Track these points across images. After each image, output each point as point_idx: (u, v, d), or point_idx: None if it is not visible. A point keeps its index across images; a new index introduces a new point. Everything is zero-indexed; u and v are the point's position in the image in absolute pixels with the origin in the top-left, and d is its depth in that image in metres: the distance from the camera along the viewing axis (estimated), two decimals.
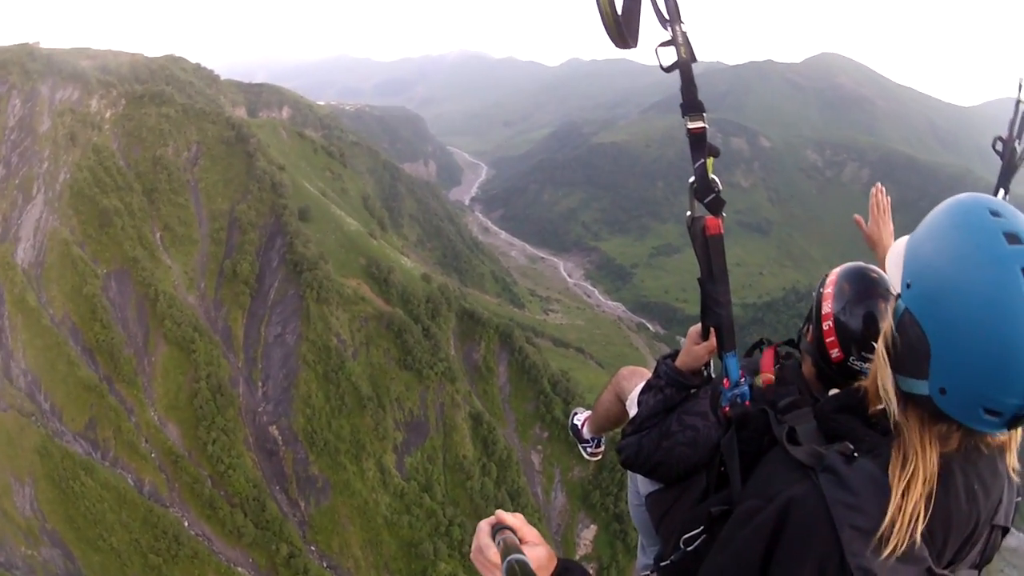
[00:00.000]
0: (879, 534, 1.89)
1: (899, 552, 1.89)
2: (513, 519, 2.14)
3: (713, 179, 2.59)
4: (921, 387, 1.93)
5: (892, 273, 2.13)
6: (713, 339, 3.06)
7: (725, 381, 2.87)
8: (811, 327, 3.26)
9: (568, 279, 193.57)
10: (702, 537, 2.68)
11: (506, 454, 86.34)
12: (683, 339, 3.71)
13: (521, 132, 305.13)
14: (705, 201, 2.60)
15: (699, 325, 3.18)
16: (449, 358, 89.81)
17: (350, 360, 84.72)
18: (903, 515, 1.90)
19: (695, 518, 2.74)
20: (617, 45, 2.39)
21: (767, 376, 3.29)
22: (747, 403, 2.82)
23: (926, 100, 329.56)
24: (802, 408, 2.52)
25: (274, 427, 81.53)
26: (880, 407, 2.11)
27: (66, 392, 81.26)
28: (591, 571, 2.51)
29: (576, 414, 5.92)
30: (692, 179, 2.61)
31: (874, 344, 2.54)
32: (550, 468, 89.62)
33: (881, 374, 2.06)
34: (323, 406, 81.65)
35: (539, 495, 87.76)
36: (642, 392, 3.48)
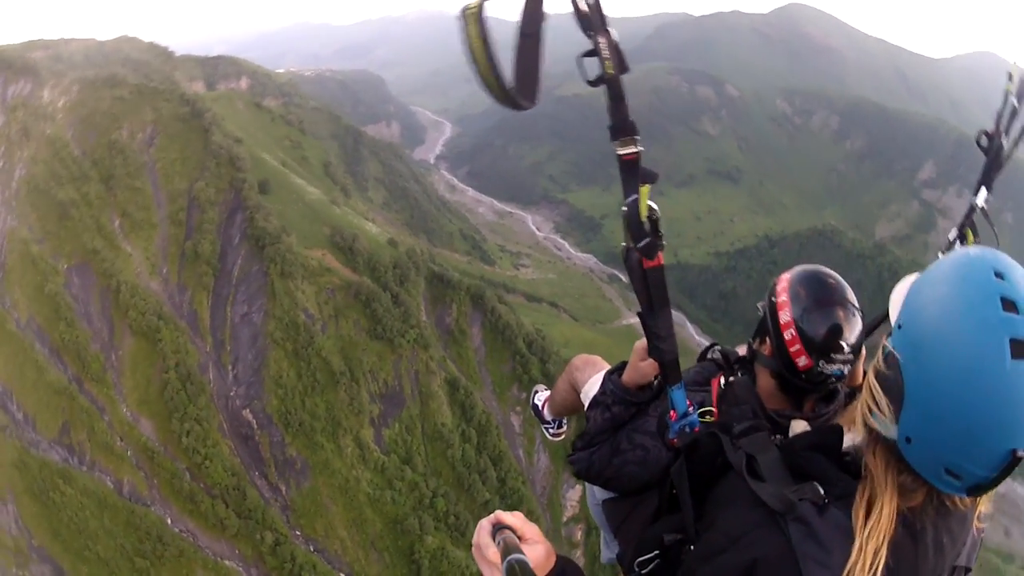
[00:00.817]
0: None
1: None
2: (512, 519, 2.15)
3: (650, 212, 2.43)
4: (891, 431, 1.93)
5: (892, 310, 2.12)
6: None
7: (672, 414, 2.79)
8: (768, 339, 3.13)
9: (537, 233, 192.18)
10: (655, 562, 2.65)
11: (485, 418, 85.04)
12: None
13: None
14: (639, 245, 2.45)
15: (642, 342, 2.97)
16: (421, 324, 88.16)
17: (319, 335, 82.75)
18: (864, 563, 1.89)
19: (648, 542, 2.70)
20: (508, 107, 2.16)
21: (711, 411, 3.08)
22: (695, 429, 2.77)
23: (896, 51, 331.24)
24: (760, 432, 2.50)
25: (247, 411, 79.35)
26: (850, 446, 2.15)
27: (37, 398, 79.05)
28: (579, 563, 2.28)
29: (537, 392, 5.77)
30: (624, 208, 2.43)
31: (842, 345, 2.92)
32: (531, 430, 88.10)
33: (863, 408, 2.05)
34: (295, 385, 79.64)
35: (521, 458, 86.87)
36: (589, 408, 3.43)
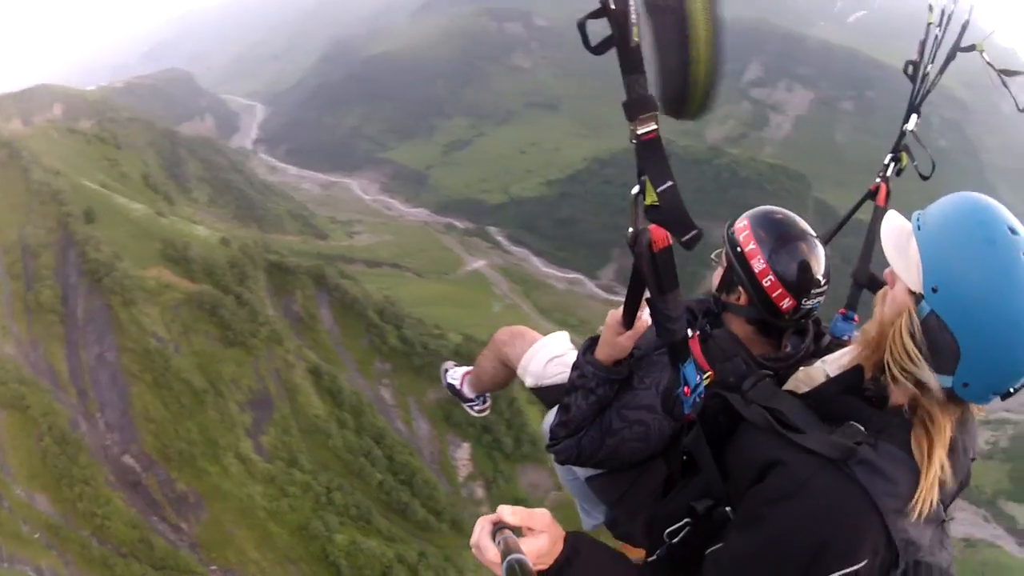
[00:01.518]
0: (911, 507, 2.10)
1: (926, 516, 2.11)
2: (513, 516, 2.17)
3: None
4: (945, 381, 2.13)
5: (895, 259, 2.27)
6: (639, 325, 3.05)
7: (686, 390, 2.72)
8: (742, 289, 3.28)
9: (365, 197, 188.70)
10: (686, 529, 2.68)
11: (356, 399, 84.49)
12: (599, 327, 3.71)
13: (291, 62, 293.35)
14: (686, 238, 2.24)
15: (617, 313, 3.08)
16: (270, 319, 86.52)
17: (174, 356, 79.97)
18: (930, 487, 2.12)
19: (675, 512, 2.73)
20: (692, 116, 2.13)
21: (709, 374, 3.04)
22: (702, 396, 2.76)
23: None
24: (765, 382, 2.66)
25: (127, 456, 76.28)
26: (871, 383, 2.37)
27: None
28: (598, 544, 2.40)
29: (447, 371, 5.77)
30: (636, 190, 2.27)
31: (818, 279, 3.19)
32: (403, 399, 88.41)
33: (919, 369, 2.17)
34: (164, 415, 76.98)
35: (402, 429, 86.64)
36: (568, 394, 3.34)
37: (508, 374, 4.81)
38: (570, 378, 3.34)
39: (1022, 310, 2.00)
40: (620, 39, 1.97)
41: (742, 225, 3.30)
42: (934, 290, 2.10)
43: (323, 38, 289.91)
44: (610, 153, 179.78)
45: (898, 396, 2.30)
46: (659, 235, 2.37)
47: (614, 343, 3.11)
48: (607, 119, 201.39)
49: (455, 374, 5.63)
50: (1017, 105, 3.89)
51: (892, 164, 4.15)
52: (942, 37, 3.80)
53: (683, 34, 1.89)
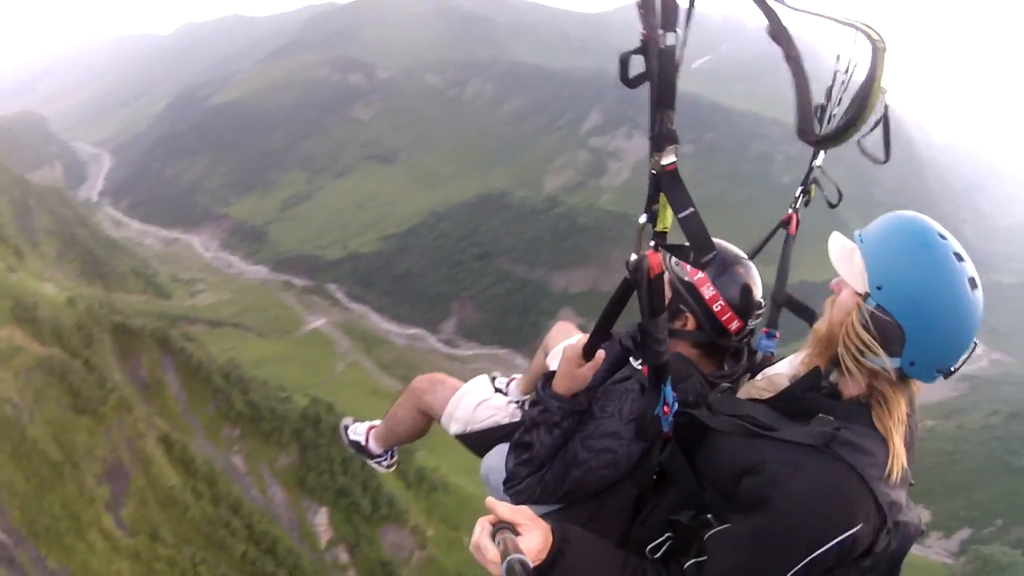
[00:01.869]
0: (888, 473, 2.49)
1: (900, 479, 2.53)
2: (503, 510, 2.34)
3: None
4: (895, 363, 2.53)
5: (842, 270, 2.69)
6: (599, 356, 3.06)
7: (665, 409, 2.81)
8: (690, 315, 3.41)
9: (206, 254, 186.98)
10: (668, 543, 2.85)
11: (208, 468, 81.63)
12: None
13: (139, 110, 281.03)
14: (704, 259, 2.32)
15: (577, 346, 3.08)
16: (118, 385, 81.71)
17: (29, 424, 74.53)
18: (898, 454, 2.53)
19: (653, 529, 2.92)
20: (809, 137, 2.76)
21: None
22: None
23: (554, 12, 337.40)
24: (730, 396, 3.08)
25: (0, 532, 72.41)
26: (826, 381, 2.72)
27: None
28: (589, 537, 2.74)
29: (348, 428, 5.53)
30: (643, 219, 2.43)
31: (760, 301, 3.51)
32: (255, 466, 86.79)
33: (874, 355, 2.55)
34: (26, 489, 72.28)
35: (257, 498, 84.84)
36: (527, 432, 3.26)
37: (426, 424, 4.83)
38: (528, 416, 3.32)
39: (954, 297, 2.44)
40: (661, 75, 2.12)
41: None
42: (879, 288, 2.52)
43: (172, 85, 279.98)
44: (446, 206, 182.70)
45: (851, 388, 2.66)
46: (655, 261, 2.50)
47: (575, 375, 3.10)
48: (442, 172, 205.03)
49: (358, 430, 5.47)
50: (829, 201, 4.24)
51: (802, 196, 4.47)
52: (847, 82, 3.69)
53: (867, 90, 2.50)
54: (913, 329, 2.47)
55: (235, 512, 79.74)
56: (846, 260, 2.66)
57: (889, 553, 2.54)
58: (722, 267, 3.39)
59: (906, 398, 2.62)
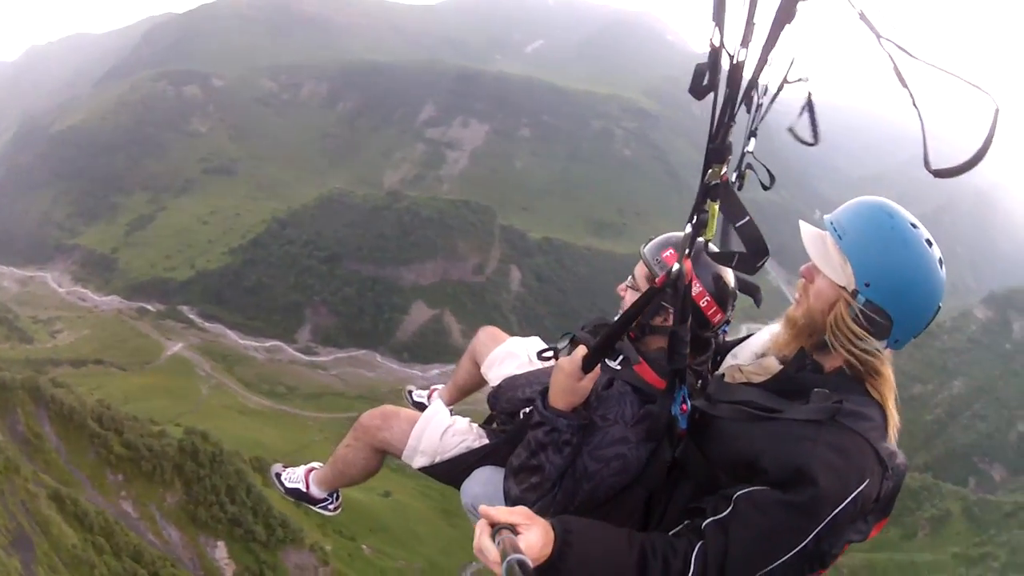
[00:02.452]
0: (887, 432, 2.79)
1: (894, 438, 2.82)
2: (498, 514, 2.40)
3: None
4: (880, 344, 2.82)
5: (820, 261, 2.88)
6: (597, 369, 3.12)
7: (683, 407, 3.01)
8: (672, 311, 3.27)
9: (59, 290, 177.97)
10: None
11: (102, 520, 75.01)
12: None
13: None
14: (759, 263, 2.74)
15: (575, 359, 3.08)
16: (2, 446, 76.02)
17: None
18: (894, 416, 2.85)
19: (671, 523, 3.05)
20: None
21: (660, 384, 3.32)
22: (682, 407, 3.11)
23: (390, 6, 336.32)
24: (725, 384, 3.25)
25: None
26: (809, 360, 2.96)
27: None
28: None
29: (280, 475, 5.13)
30: (688, 229, 2.82)
31: (735, 291, 3.65)
32: (146, 508, 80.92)
33: (865, 342, 2.80)
34: None
35: (155, 542, 78.93)
36: (533, 455, 3.21)
37: (380, 461, 4.53)
38: (532, 438, 3.22)
39: (932, 284, 2.75)
40: (728, 89, 2.42)
41: (669, 254, 3.45)
42: (867, 285, 2.74)
43: (16, 113, 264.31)
44: (289, 212, 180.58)
45: (833, 362, 2.90)
46: (688, 271, 2.88)
47: (575, 389, 3.10)
48: (282, 178, 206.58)
49: (293, 476, 5.08)
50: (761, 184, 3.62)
51: (736, 182, 3.91)
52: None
53: (988, 143, 2.24)
54: (899, 317, 2.78)
55: (137, 561, 74.69)
56: (823, 252, 2.89)
57: (888, 491, 2.80)
58: (701, 262, 3.39)
59: (891, 366, 2.94)
